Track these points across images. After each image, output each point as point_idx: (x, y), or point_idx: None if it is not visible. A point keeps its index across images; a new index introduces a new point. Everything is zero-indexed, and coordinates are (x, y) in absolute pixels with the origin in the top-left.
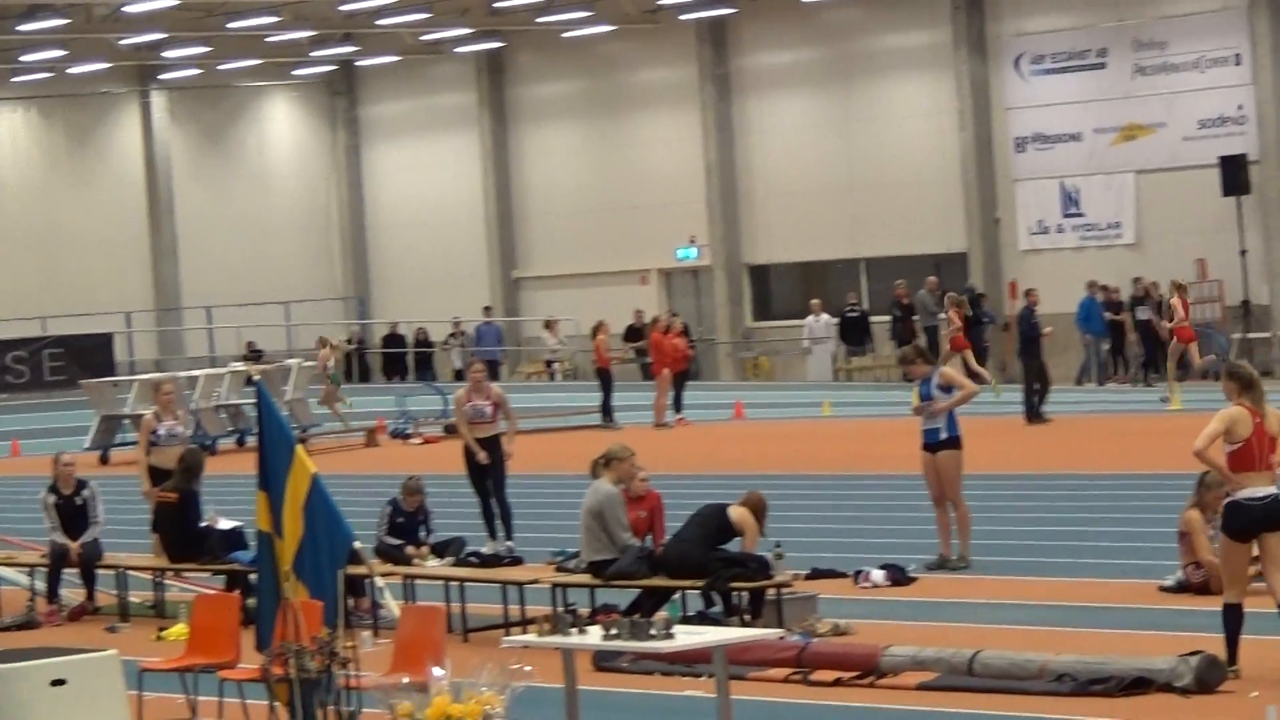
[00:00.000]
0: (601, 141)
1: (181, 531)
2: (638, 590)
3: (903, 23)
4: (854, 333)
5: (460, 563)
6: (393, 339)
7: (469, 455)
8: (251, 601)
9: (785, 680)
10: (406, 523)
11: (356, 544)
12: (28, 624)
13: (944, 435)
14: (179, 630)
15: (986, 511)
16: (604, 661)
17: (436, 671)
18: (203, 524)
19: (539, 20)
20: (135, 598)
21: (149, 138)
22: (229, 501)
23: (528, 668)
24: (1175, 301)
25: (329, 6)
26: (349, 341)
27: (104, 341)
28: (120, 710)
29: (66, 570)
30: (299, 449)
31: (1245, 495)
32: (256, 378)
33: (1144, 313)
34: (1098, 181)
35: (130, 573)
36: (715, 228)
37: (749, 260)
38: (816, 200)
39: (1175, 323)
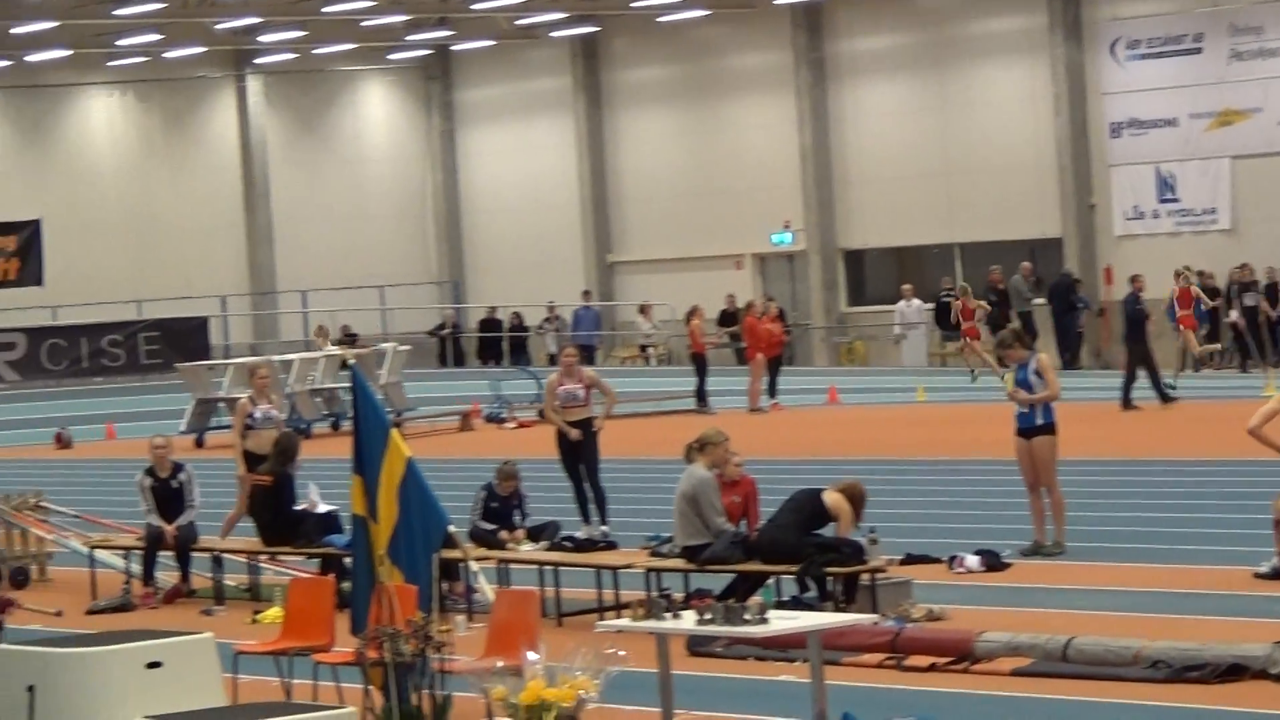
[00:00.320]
0: (696, 126)
1: (276, 515)
2: (732, 575)
3: (999, 7)
4: (949, 318)
5: (555, 547)
6: (490, 323)
7: (562, 440)
8: (346, 585)
9: (879, 665)
10: (501, 507)
11: (451, 528)
12: (123, 607)
13: (1039, 420)
14: (274, 613)
15: (1081, 497)
16: (698, 646)
17: (531, 656)
18: (301, 506)
19: (634, 5)
20: (230, 581)
21: (244, 122)
22: (323, 486)
23: (622, 652)
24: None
25: None
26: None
27: (199, 325)
28: (215, 693)
29: (162, 553)
30: (394, 433)
31: None
32: (352, 362)
33: (1251, 299)
34: (1193, 167)
35: (225, 556)
36: (810, 212)
37: (844, 245)
38: (911, 185)
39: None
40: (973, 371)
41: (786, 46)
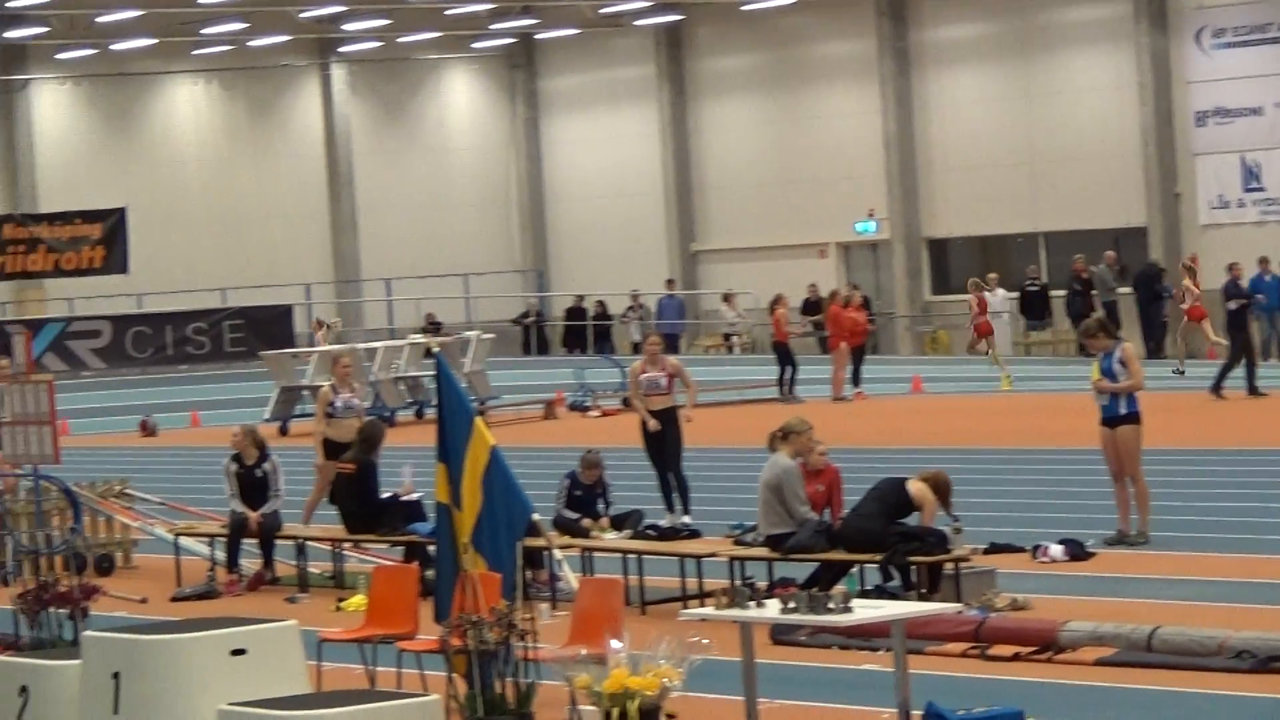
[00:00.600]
0: (780, 114)
1: (360, 503)
2: (815, 564)
3: None
4: (1034, 307)
5: (638, 535)
6: (575, 311)
7: (646, 429)
8: (430, 573)
9: (963, 655)
10: (585, 496)
11: (535, 516)
12: (208, 594)
13: (1123, 410)
14: (358, 601)
15: (1166, 487)
16: (781, 635)
17: (614, 644)
18: (393, 492)
19: None
20: (314, 568)
21: (329, 110)
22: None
23: (705, 641)
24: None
25: None
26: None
27: (284, 313)
28: (299, 680)
29: (246, 541)
30: (478, 421)
31: None
32: (436, 350)
33: None
34: (1279, 156)
35: (309, 543)
36: (894, 201)
37: (928, 234)
38: (995, 174)
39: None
40: (993, 358)
41: (871, 34)
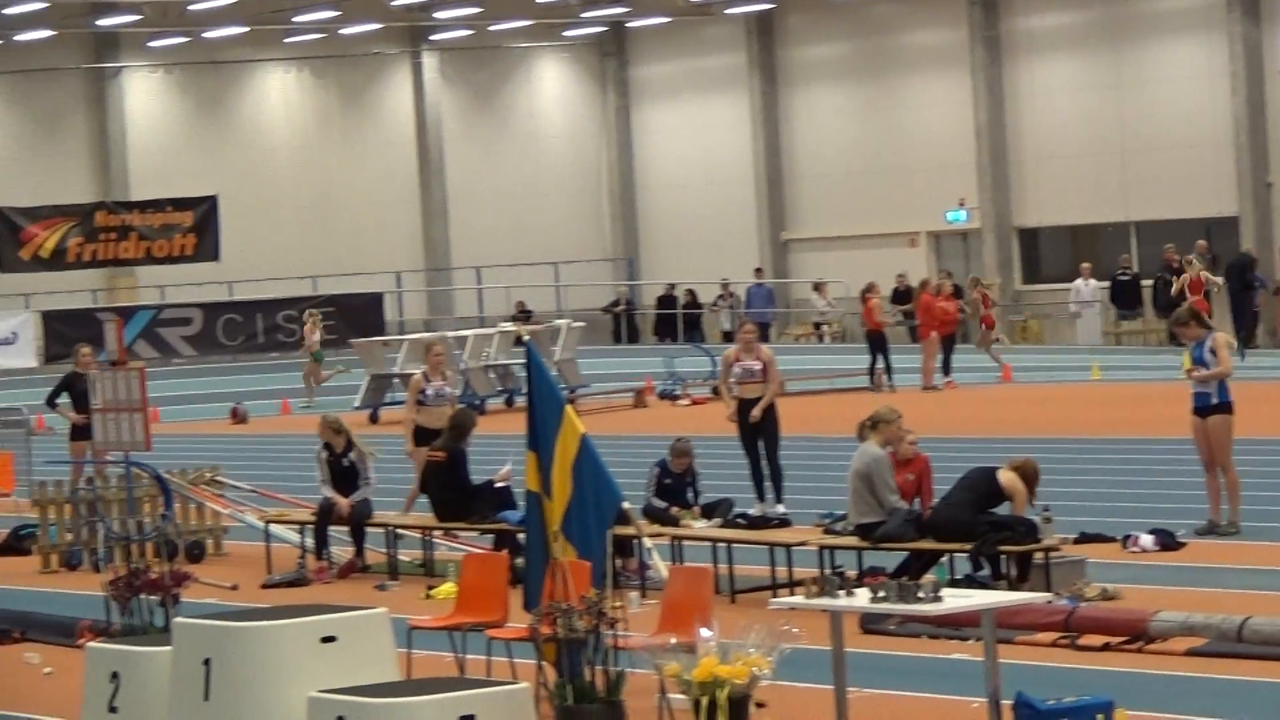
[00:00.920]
0: (871, 103)
1: (450, 491)
2: (905, 553)
3: None
4: (1125, 296)
5: (728, 524)
6: (665, 300)
7: (743, 417)
8: (519, 561)
9: (1053, 644)
10: (675, 484)
11: (625, 504)
12: (298, 581)
13: (1215, 400)
14: (447, 589)
15: (1258, 477)
16: (871, 624)
17: (704, 632)
18: (490, 479)
19: None
20: (404, 556)
21: (420, 98)
22: (499, 462)
23: (795, 629)
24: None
25: None
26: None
27: (374, 301)
28: (389, 667)
29: (337, 529)
30: (568, 409)
31: None
32: (526, 338)
33: None
34: None
35: (400, 531)
36: (984, 190)
37: (1018, 223)
38: (1086, 163)
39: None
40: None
41: (962, 23)
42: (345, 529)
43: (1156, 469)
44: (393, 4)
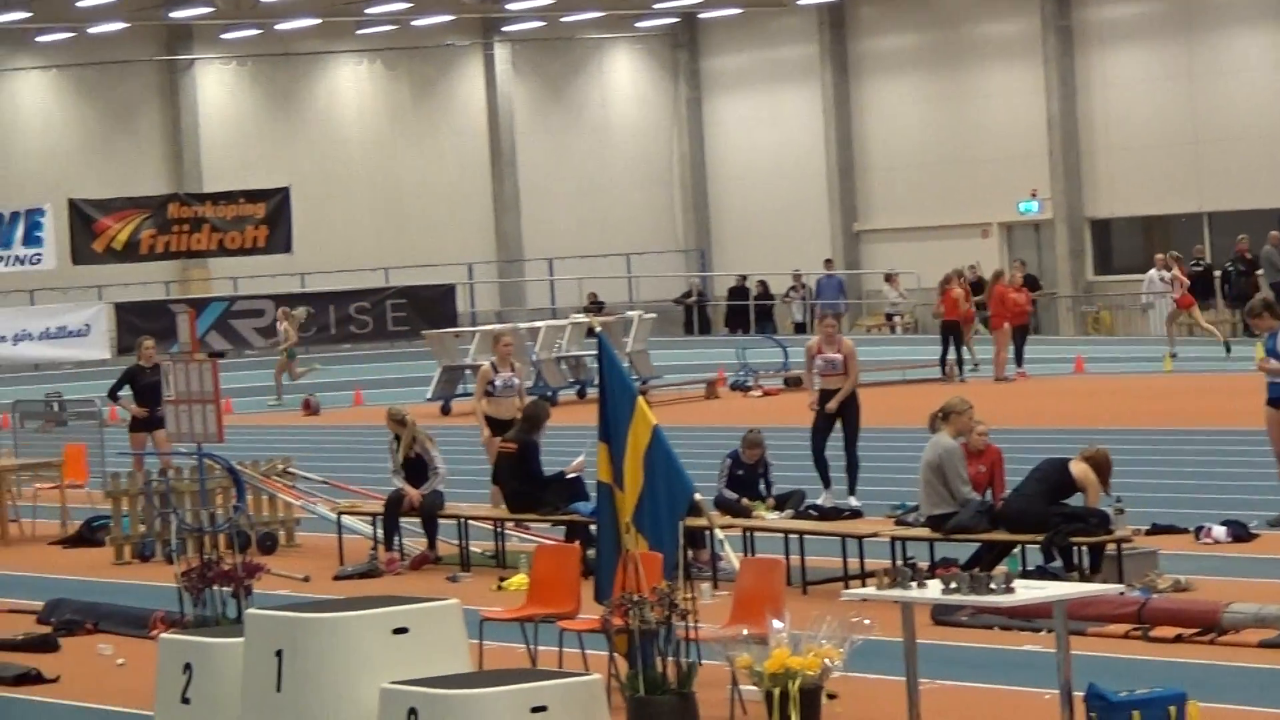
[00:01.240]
0: (943, 94)
1: (521, 482)
2: (977, 544)
3: None
4: (1198, 287)
5: (800, 515)
6: (737, 291)
7: (821, 407)
8: (591, 552)
9: (1125, 636)
10: (746, 475)
11: (696, 496)
12: (370, 572)
13: None
14: (519, 580)
15: None
16: (943, 616)
17: (776, 624)
18: (562, 471)
19: None
20: (476, 547)
21: (492, 90)
22: (571, 453)
23: (867, 621)
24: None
25: None
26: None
27: (446, 293)
28: (461, 658)
29: (408, 520)
30: (640, 401)
31: None
32: (598, 329)
33: None
34: None
35: (471, 522)
36: (1056, 181)
37: (1091, 214)
38: (1159, 153)
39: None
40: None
41: (1034, 14)
42: (418, 520)
43: (1229, 460)
44: None
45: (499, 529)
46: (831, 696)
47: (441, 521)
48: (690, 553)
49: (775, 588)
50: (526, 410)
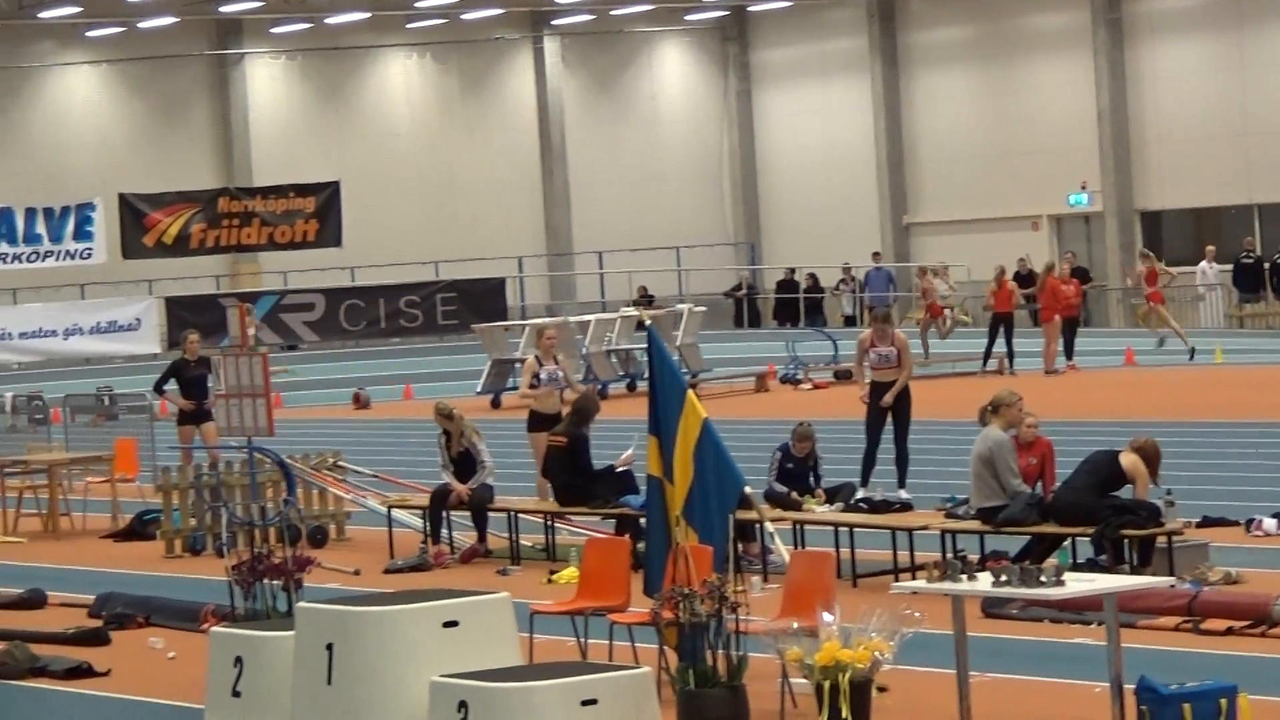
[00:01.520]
0: (993, 87)
1: (571, 475)
2: (1028, 537)
3: None
4: (1248, 279)
5: (850, 508)
6: (787, 284)
7: (874, 399)
8: (641, 546)
9: (1176, 629)
10: (796, 468)
11: (746, 489)
12: (420, 566)
13: None
14: (569, 573)
15: None
16: (992, 608)
17: (826, 617)
18: (612, 464)
19: None
20: (526, 541)
21: (541, 84)
22: (621, 446)
23: (917, 614)
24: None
25: None
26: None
27: (496, 286)
28: (511, 652)
29: (458, 514)
30: (690, 394)
31: None
32: (648, 323)
33: None
34: None
35: (521, 516)
36: (1107, 173)
37: (1141, 206)
38: (1209, 145)
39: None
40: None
41: (1084, 6)
42: (468, 514)
43: None
44: None
45: (549, 522)
46: (882, 689)
47: (491, 515)
48: (740, 546)
49: (825, 581)
50: (576, 404)
